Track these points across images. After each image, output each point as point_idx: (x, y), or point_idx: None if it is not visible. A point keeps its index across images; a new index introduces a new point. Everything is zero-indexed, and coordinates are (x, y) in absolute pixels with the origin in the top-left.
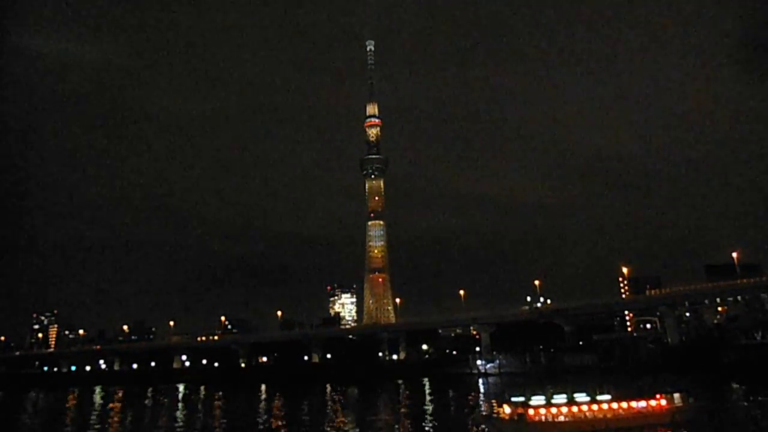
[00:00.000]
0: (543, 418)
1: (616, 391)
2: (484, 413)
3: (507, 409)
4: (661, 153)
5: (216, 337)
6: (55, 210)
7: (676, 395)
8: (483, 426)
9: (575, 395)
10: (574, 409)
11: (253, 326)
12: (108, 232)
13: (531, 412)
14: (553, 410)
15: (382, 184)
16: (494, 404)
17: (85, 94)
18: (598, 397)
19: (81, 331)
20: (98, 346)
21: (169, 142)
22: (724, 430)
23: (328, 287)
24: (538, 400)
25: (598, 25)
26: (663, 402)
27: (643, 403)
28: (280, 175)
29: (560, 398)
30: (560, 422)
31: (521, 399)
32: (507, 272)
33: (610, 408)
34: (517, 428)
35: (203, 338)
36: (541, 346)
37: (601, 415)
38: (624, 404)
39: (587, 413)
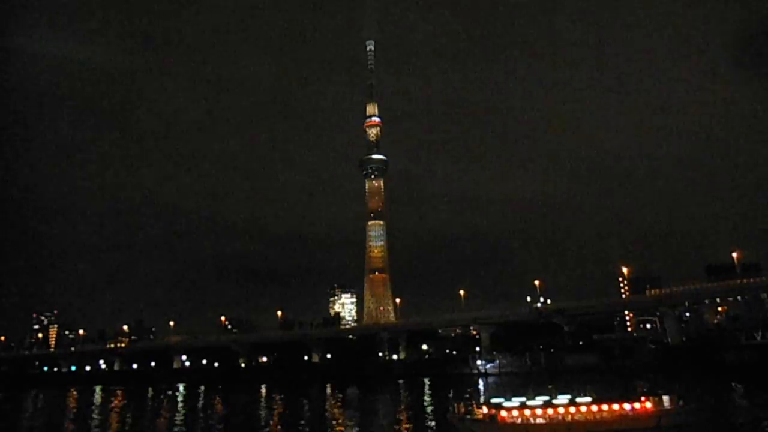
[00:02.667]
0: (516, 420)
1: (599, 393)
2: (459, 414)
3: (482, 411)
4: (661, 153)
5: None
6: (56, 210)
7: (665, 398)
8: (457, 426)
9: (560, 397)
10: (550, 411)
11: (253, 326)
12: (108, 232)
13: (504, 414)
14: (527, 412)
15: (382, 184)
16: (470, 405)
17: (86, 94)
18: (578, 399)
19: (81, 331)
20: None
21: (168, 142)
22: None
23: (328, 287)
24: (517, 401)
25: (600, 25)
26: (648, 405)
27: (627, 406)
28: (280, 175)
29: (539, 400)
30: (535, 425)
31: (500, 400)
32: (507, 272)
33: (589, 410)
34: (488, 430)
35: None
36: (541, 346)
37: (580, 418)
38: (605, 407)
39: (565, 416)
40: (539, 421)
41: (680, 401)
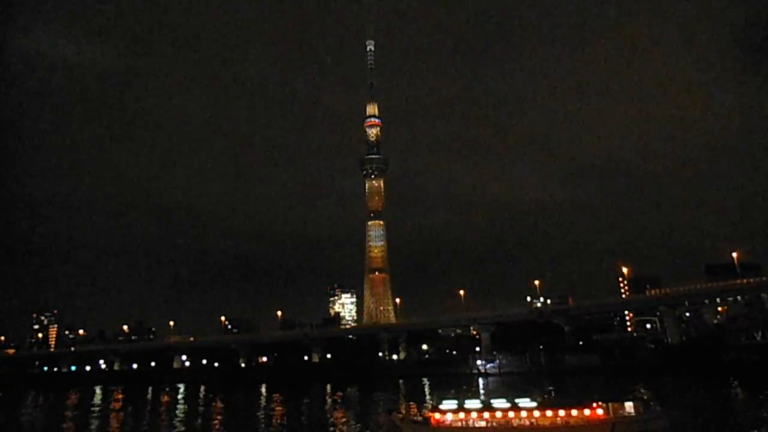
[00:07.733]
0: (452, 423)
1: (546, 397)
2: (400, 415)
3: (421, 413)
4: (661, 153)
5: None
6: (56, 210)
7: (628, 404)
8: (399, 427)
9: (518, 400)
10: (487, 415)
11: (253, 326)
12: (108, 232)
13: (437, 416)
14: (462, 415)
15: (382, 184)
16: (411, 406)
17: (86, 94)
18: (521, 404)
19: (81, 331)
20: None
21: (168, 142)
22: None
23: (328, 287)
24: (471, 404)
25: (599, 26)
26: (599, 412)
27: (574, 412)
28: (280, 174)
29: (477, 403)
30: (471, 428)
31: (453, 402)
32: (507, 272)
33: (530, 415)
34: None
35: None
36: (541, 346)
37: (522, 423)
38: (549, 413)
39: (504, 420)
40: (478, 424)
41: (641, 408)
